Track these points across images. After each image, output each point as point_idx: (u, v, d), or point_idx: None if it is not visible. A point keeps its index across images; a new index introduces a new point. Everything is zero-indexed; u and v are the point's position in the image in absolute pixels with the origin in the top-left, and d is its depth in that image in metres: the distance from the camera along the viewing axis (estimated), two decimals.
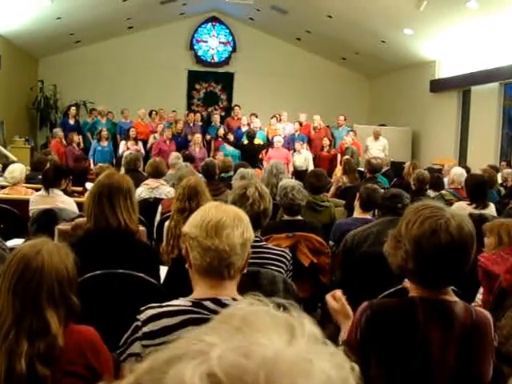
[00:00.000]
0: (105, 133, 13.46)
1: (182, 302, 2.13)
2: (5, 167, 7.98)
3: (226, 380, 0.66)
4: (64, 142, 13.50)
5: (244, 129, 14.41)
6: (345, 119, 14.84)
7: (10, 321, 2.10)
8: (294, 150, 13.08)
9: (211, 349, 0.69)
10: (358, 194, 5.54)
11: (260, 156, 12.61)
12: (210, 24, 19.20)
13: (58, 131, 13.65)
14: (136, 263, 3.40)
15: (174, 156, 9.11)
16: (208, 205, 2.24)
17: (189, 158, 10.12)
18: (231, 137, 13.36)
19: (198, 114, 15.84)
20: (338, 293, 2.58)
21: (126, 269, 3.32)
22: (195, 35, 19.09)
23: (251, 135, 12.61)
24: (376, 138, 13.97)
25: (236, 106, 16.36)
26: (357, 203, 5.53)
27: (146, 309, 2.12)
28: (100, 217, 3.41)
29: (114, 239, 3.44)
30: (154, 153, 12.60)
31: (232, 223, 2.11)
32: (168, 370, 0.68)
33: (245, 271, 2.21)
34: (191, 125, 14.87)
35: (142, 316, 2.09)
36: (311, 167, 12.08)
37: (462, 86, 13.68)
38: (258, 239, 3.56)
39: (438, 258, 2.07)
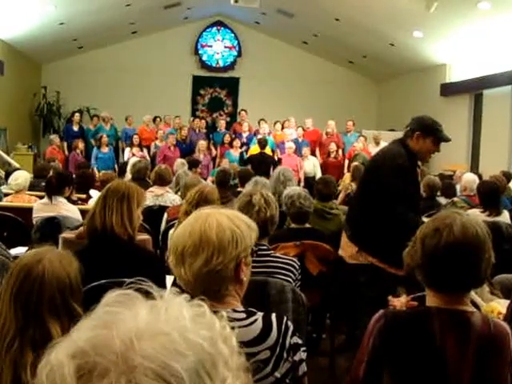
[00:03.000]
0: (105, 139, 13.38)
1: None
2: (8, 174, 7.98)
3: (91, 350, 0.74)
4: (61, 149, 13.46)
5: (245, 134, 14.34)
6: (353, 124, 14.65)
7: (14, 331, 2.07)
8: (301, 156, 12.91)
9: (73, 333, 0.80)
10: None
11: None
12: (214, 28, 19.04)
13: (54, 138, 13.66)
14: (140, 272, 3.21)
15: (179, 163, 8.98)
16: (186, 221, 2.10)
17: (194, 163, 9.95)
18: (238, 143, 13.20)
19: (203, 121, 15.69)
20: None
21: (130, 278, 3.13)
22: (200, 40, 18.94)
23: (263, 144, 12.42)
24: (377, 143, 13.75)
25: (242, 110, 16.23)
26: None
27: None
28: (91, 216, 3.51)
29: (110, 245, 3.46)
30: (158, 159, 12.53)
31: (195, 249, 1.99)
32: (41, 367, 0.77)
33: (245, 280, 2.09)
34: (197, 131, 14.71)
35: None
36: (319, 174, 11.95)
37: (474, 89, 13.46)
38: (265, 247, 3.54)
39: (440, 257, 2.07)
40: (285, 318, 2.12)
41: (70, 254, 2.33)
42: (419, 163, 4.74)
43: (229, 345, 0.85)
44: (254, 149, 12.90)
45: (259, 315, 2.06)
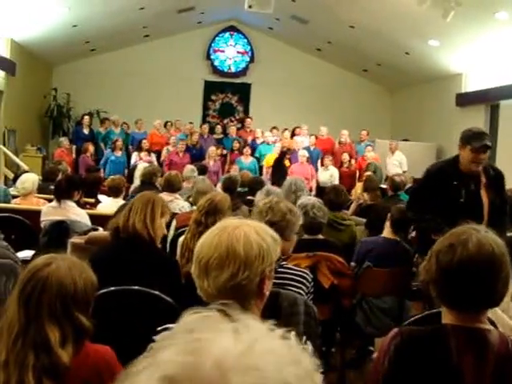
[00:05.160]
0: (119, 143, 13.34)
1: None
2: (16, 177, 7.97)
3: (181, 378, 0.73)
4: (69, 151, 13.37)
5: (259, 141, 14.28)
6: (367, 134, 14.49)
7: (17, 329, 2.10)
8: (321, 165, 12.81)
9: (160, 357, 0.77)
10: (389, 214, 5.38)
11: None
12: (227, 33, 18.95)
13: (64, 140, 13.67)
14: (160, 272, 3.55)
15: (189, 169, 8.92)
16: (211, 231, 2.06)
17: (203, 170, 9.86)
18: (248, 150, 13.14)
19: (219, 126, 15.68)
20: None
21: (148, 278, 3.41)
22: (212, 44, 18.84)
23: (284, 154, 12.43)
24: (392, 152, 13.61)
25: (248, 117, 16.18)
26: (387, 223, 5.36)
27: (163, 330, 1.83)
28: (116, 216, 3.82)
29: (131, 242, 3.62)
30: (165, 164, 12.46)
31: (221, 263, 1.95)
32: None
33: (266, 294, 2.08)
34: (205, 137, 14.61)
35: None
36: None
37: (490, 100, 13.25)
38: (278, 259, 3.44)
39: (453, 273, 2.03)
40: (304, 338, 2.00)
41: (84, 264, 2.31)
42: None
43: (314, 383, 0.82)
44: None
45: None
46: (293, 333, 0.87)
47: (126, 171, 12.72)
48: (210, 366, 0.74)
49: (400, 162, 13.30)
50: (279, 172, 11.54)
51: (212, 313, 0.88)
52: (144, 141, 13.29)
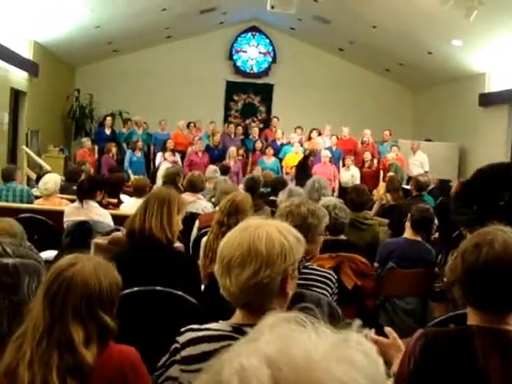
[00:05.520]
0: (140, 143, 13.31)
1: (222, 326, 2.05)
2: (39, 177, 8.02)
3: (280, 363, 0.78)
4: (92, 152, 13.48)
5: (279, 142, 14.23)
6: (390, 134, 14.40)
7: (42, 328, 2.10)
8: (343, 165, 12.77)
9: (256, 344, 0.83)
10: (409, 214, 5.38)
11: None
12: (249, 34, 18.91)
13: (86, 141, 13.70)
14: (178, 275, 3.52)
15: (211, 169, 8.91)
16: (234, 230, 2.07)
17: (225, 171, 9.86)
18: (271, 151, 13.12)
19: (240, 127, 15.64)
20: (388, 328, 2.52)
21: (167, 280, 3.40)
22: (234, 45, 18.83)
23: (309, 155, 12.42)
24: (414, 152, 13.52)
25: (274, 117, 16.12)
26: (408, 223, 5.31)
27: (186, 331, 2.06)
28: (132, 219, 3.69)
29: (148, 247, 3.58)
30: (185, 164, 12.46)
31: (243, 261, 1.95)
32: (222, 370, 0.79)
33: (290, 294, 2.06)
34: (232, 137, 14.62)
35: (182, 338, 2.03)
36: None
37: None
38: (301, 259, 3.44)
39: (478, 273, 2.01)
40: None
41: (109, 264, 2.32)
42: None
43: None
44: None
45: None
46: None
47: (146, 172, 12.80)
48: (301, 353, 0.79)
49: (421, 162, 13.22)
50: (303, 173, 11.53)
51: (293, 314, 0.92)
52: (169, 141, 13.32)
